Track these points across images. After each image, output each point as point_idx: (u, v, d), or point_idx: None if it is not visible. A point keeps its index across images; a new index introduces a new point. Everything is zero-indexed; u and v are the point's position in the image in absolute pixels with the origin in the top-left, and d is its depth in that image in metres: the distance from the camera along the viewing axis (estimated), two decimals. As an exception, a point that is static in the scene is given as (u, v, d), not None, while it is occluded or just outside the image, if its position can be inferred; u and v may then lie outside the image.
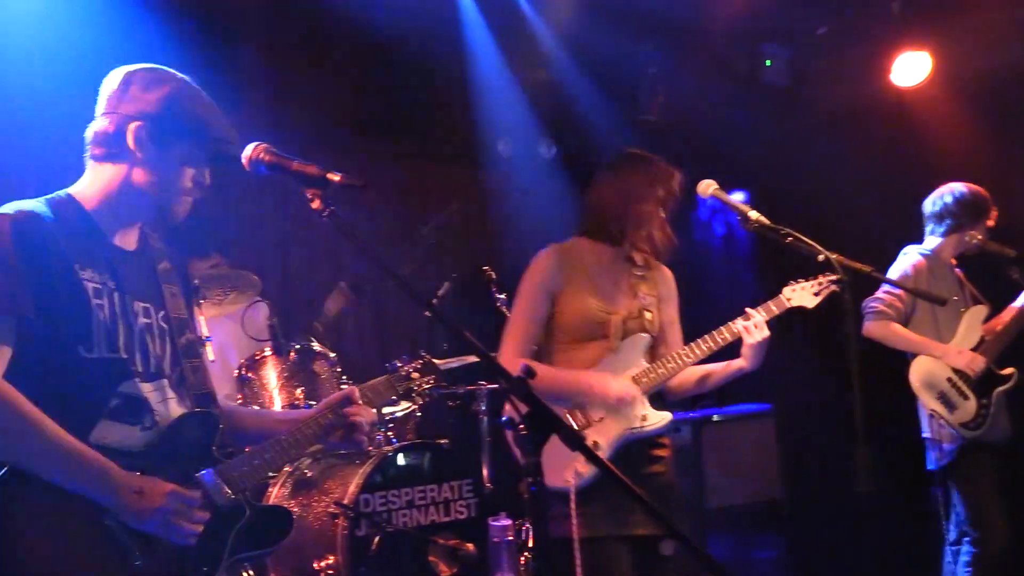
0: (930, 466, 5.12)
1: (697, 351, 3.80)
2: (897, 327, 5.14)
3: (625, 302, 3.90)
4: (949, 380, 5.03)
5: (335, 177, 2.46)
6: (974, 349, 5.09)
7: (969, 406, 5.00)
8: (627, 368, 3.80)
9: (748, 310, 3.81)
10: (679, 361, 3.81)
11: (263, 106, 6.18)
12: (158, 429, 2.63)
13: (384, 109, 6.91)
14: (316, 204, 2.44)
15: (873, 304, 5.18)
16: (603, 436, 3.70)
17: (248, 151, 2.57)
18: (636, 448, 3.77)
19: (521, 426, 2.11)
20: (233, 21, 6.04)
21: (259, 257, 6.66)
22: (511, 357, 3.76)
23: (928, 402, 5.04)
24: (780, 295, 3.87)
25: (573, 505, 3.51)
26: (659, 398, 3.89)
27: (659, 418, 3.76)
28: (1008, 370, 5.10)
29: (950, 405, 5.00)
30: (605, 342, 3.82)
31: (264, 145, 2.58)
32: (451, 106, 7.17)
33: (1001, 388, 5.06)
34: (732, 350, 3.85)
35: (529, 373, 2.18)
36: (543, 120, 7.59)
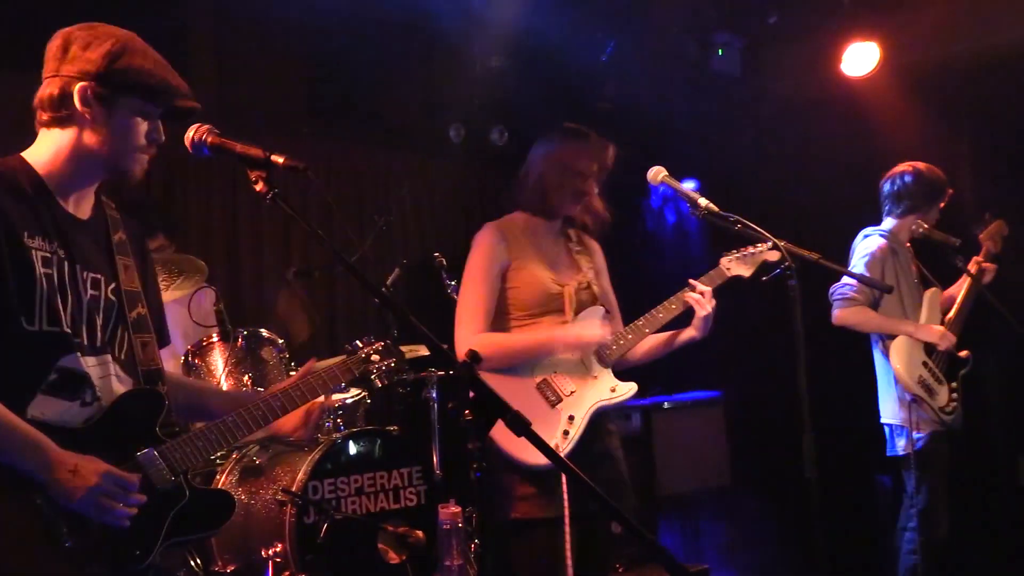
0: (893, 452, 5.11)
1: (654, 321, 3.84)
2: (867, 311, 5.12)
3: (572, 274, 3.93)
4: (925, 364, 5.03)
5: (278, 159, 2.43)
6: None
7: (944, 391, 5.03)
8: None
9: (692, 281, 3.87)
10: (639, 332, 3.84)
11: (212, 88, 6.11)
12: (99, 405, 2.57)
13: (336, 93, 6.85)
14: (260, 186, 2.42)
15: (843, 290, 5.15)
16: (577, 409, 3.71)
17: (191, 133, 2.53)
18: (600, 421, 3.80)
19: (467, 412, 2.09)
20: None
21: (207, 241, 6.59)
22: (470, 336, 3.75)
23: (912, 387, 4.99)
24: (719, 265, 3.96)
25: (564, 478, 3.50)
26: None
27: (627, 388, 3.78)
28: (963, 353, 5.11)
29: (930, 390, 5.00)
30: (560, 316, 3.83)
31: (207, 126, 2.54)
32: (402, 91, 7.12)
33: (963, 372, 5.09)
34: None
35: (475, 358, 2.16)
36: (495, 107, 7.56)
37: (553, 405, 3.71)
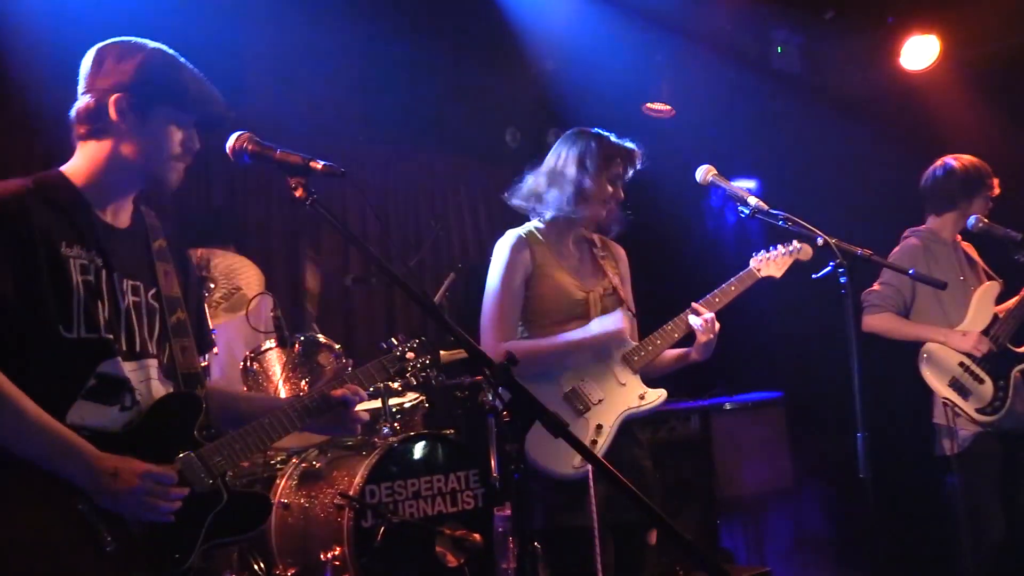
0: (940, 452, 4.94)
1: (667, 337, 3.82)
2: (894, 318, 5.03)
3: (597, 280, 3.90)
4: (961, 364, 4.85)
5: (317, 165, 2.46)
6: (988, 327, 4.90)
7: (985, 389, 4.81)
8: (618, 346, 3.81)
9: (695, 305, 3.81)
10: (667, 336, 3.81)
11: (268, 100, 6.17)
12: (138, 410, 2.61)
13: (392, 101, 6.89)
14: (299, 193, 2.44)
15: (869, 297, 5.09)
16: (605, 417, 3.68)
17: (232, 141, 2.57)
18: (629, 429, 3.76)
19: (505, 413, 2.09)
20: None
21: (266, 247, 6.66)
22: (496, 343, 3.73)
23: (940, 390, 4.86)
24: (749, 267, 3.93)
25: (592, 488, 3.49)
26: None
27: (656, 395, 3.74)
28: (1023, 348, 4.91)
29: (964, 391, 4.82)
30: (585, 321, 3.79)
31: (247, 134, 2.57)
32: (458, 98, 7.15)
33: (1020, 367, 4.85)
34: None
35: (512, 360, 2.16)
36: (550, 110, 7.55)
37: (581, 414, 3.69)
